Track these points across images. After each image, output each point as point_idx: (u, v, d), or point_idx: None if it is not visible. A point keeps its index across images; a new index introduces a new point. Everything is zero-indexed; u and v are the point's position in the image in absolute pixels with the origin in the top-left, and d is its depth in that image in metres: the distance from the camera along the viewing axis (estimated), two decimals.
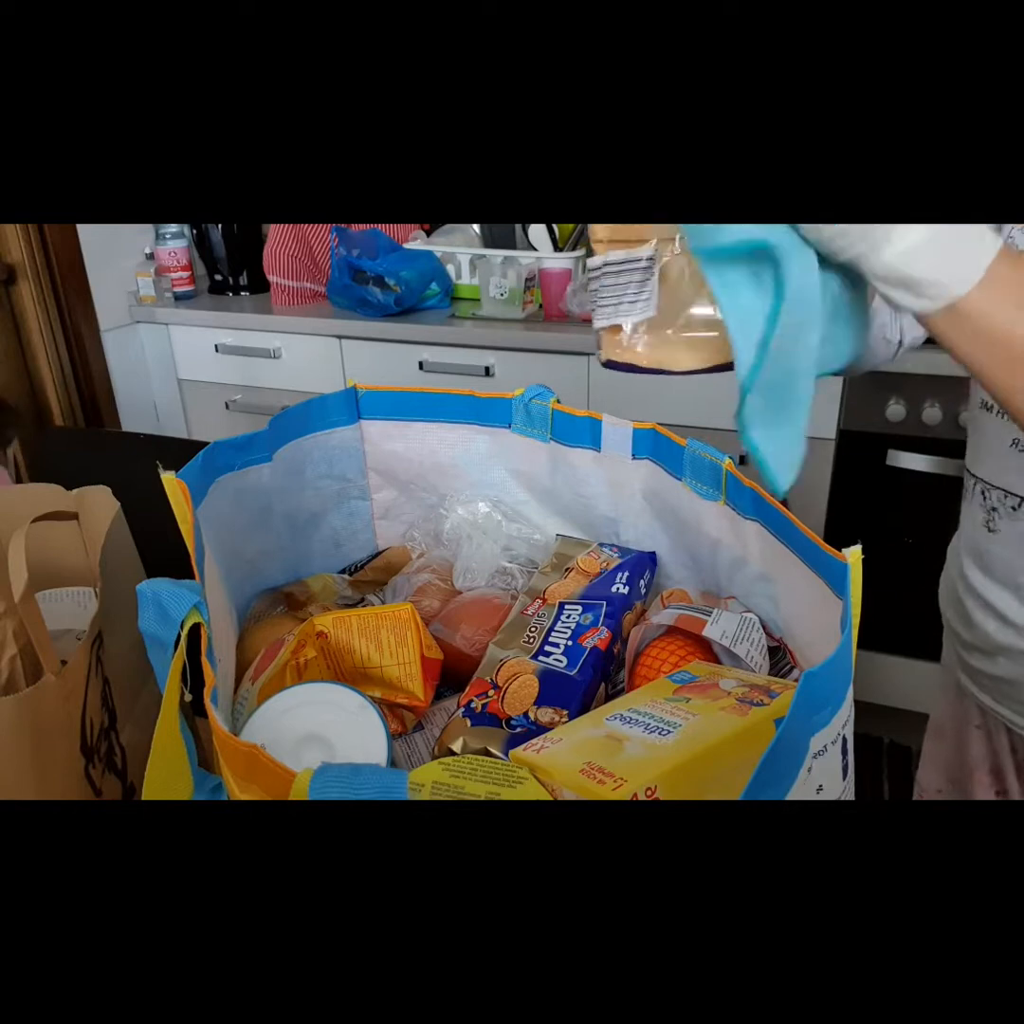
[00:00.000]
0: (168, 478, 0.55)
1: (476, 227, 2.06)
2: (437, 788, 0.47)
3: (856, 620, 0.45)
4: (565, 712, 0.58)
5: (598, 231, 0.53)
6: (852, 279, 0.48)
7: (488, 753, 0.56)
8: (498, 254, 1.91)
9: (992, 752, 0.87)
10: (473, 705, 0.60)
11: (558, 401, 0.74)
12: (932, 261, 0.44)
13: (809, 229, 0.44)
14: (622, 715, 0.52)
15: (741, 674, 0.57)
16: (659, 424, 0.68)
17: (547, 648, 0.63)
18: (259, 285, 2.20)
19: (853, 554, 0.45)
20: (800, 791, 0.41)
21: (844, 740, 0.45)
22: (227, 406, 2.16)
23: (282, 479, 0.74)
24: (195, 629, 0.51)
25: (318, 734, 0.54)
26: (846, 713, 0.44)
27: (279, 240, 2.10)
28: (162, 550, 0.68)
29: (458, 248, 2.02)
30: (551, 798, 0.47)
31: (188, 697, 0.52)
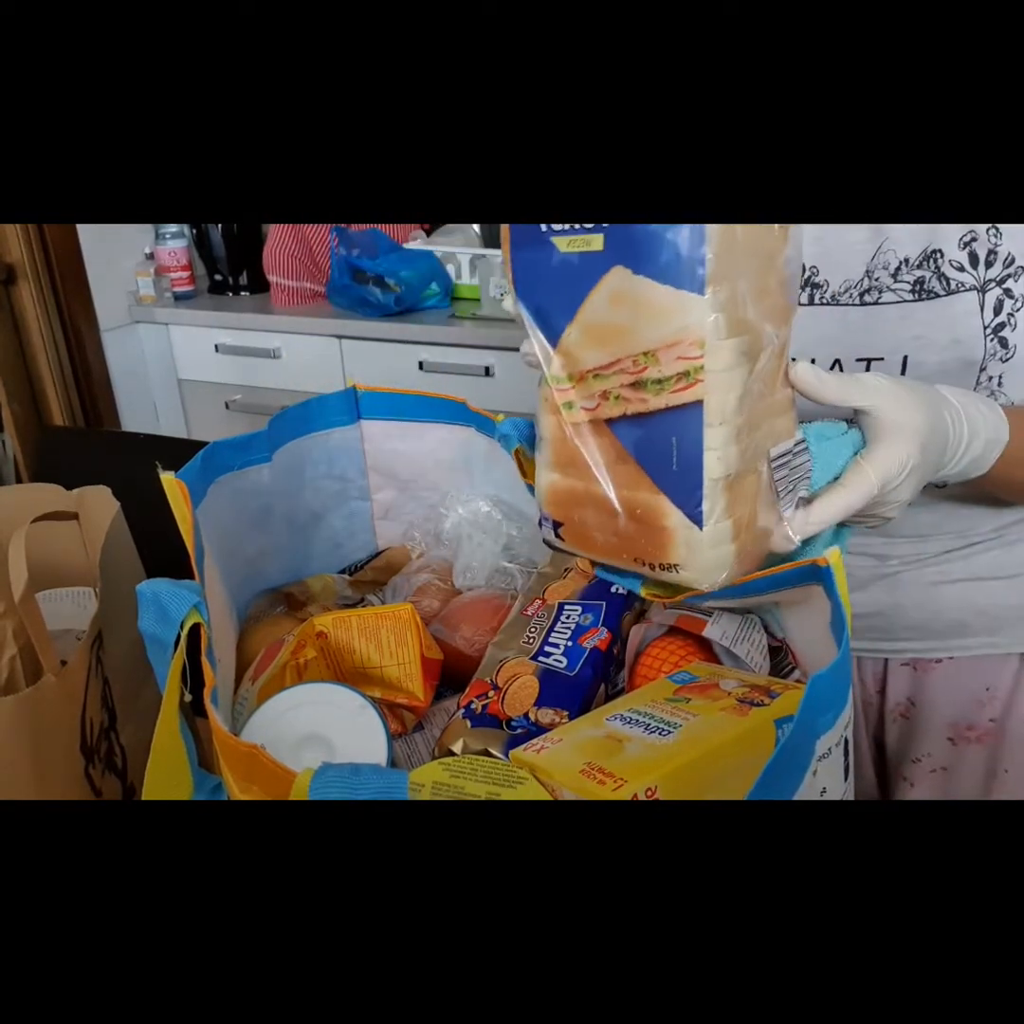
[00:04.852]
0: (168, 478, 0.55)
1: (476, 227, 2.06)
2: (437, 788, 0.47)
3: (850, 620, 0.45)
4: (565, 713, 0.58)
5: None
6: None
7: (488, 754, 0.56)
8: (498, 254, 1.91)
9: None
10: (473, 706, 0.60)
11: (521, 449, 0.62)
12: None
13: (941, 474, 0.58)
14: (622, 715, 0.52)
15: (741, 674, 0.57)
16: None
17: (547, 648, 0.63)
18: (259, 285, 2.20)
19: (833, 555, 0.45)
20: (805, 794, 0.41)
21: (846, 741, 0.45)
22: (227, 406, 2.16)
23: (282, 479, 0.73)
24: (195, 629, 0.51)
25: (318, 734, 0.54)
26: (848, 715, 0.44)
27: (279, 240, 2.10)
28: (162, 550, 0.68)
29: (458, 248, 2.01)
30: (551, 798, 0.47)
31: (188, 697, 0.52)
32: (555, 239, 0.49)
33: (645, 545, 0.51)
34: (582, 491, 0.53)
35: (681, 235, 0.45)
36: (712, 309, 0.46)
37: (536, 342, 0.52)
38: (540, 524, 0.58)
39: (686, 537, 0.49)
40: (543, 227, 0.50)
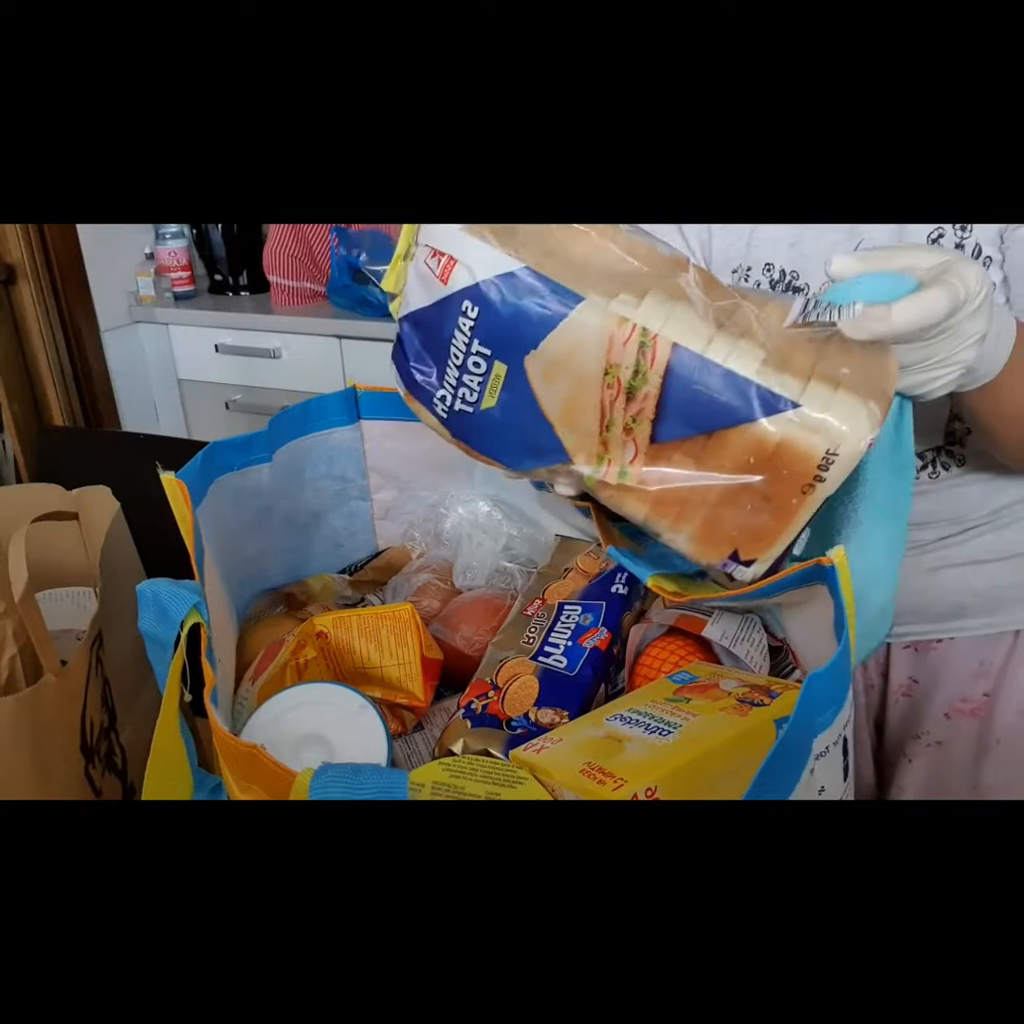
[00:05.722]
0: (167, 478, 0.55)
1: None
2: (437, 788, 0.47)
3: (852, 620, 0.45)
4: (565, 713, 0.58)
5: None
6: None
7: (488, 754, 0.56)
8: None
9: None
10: (473, 706, 0.60)
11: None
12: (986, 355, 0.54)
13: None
14: (622, 715, 0.52)
15: (741, 674, 0.57)
16: None
17: (547, 648, 0.63)
18: (259, 285, 2.20)
19: (837, 555, 0.45)
20: (802, 793, 0.41)
21: (845, 741, 0.45)
22: (227, 406, 2.16)
23: (282, 479, 0.73)
24: (195, 629, 0.51)
25: (318, 734, 0.54)
26: (847, 714, 0.44)
27: (279, 240, 2.09)
28: (162, 550, 0.68)
29: None
30: (551, 798, 0.47)
31: (188, 697, 0.52)
32: (483, 409, 0.52)
33: (790, 475, 0.47)
34: (712, 509, 0.50)
35: (519, 288, 0.47)
36: (603, 302, 0.46)
37: (559, 477, 0.53)
38: (732, 577, 0.53)
39: (801, 426, 0.46)
40: (469, 410, 0.53)
